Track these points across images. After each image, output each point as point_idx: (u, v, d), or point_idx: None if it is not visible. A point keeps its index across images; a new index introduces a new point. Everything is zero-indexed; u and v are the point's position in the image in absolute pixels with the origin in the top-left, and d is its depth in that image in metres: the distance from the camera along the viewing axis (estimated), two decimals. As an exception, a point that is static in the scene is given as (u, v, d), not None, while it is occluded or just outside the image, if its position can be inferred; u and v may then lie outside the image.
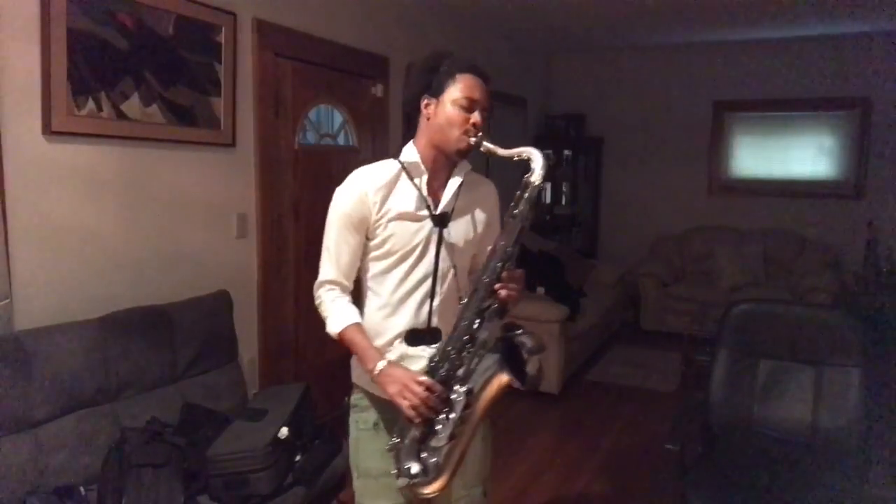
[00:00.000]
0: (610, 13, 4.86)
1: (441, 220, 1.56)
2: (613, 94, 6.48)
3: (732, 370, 2.41)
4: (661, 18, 4.98)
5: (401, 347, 1.58)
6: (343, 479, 2.47)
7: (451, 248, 1.58)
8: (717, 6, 4.58)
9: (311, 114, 3.57)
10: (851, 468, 2.17)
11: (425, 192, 1.57)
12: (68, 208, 2.29)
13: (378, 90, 3.94)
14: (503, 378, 1.39)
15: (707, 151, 6.15)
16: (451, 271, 1.59)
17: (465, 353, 1.45)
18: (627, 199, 6.56)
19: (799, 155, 5.88)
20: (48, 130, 2.18)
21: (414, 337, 1.58)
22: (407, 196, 1.57)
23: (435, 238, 1.56)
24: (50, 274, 2.24)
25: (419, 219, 1.56)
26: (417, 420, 1.44)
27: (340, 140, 3.82)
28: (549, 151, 1.49)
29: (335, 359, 3.70)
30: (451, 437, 1.42)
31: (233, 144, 2.94)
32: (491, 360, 1.41)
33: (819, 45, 5.57)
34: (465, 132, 1.53)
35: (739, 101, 5.97)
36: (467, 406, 1.42)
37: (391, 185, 1.57)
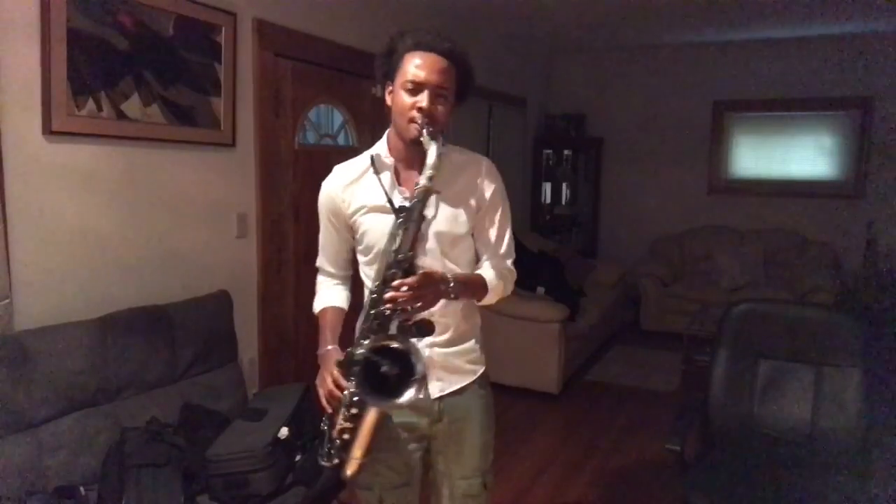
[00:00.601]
0: (610, 13, 4.86)
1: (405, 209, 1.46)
2: (613, 94, 6.49)
3: (732, 370, 2.41)
4: (661, 18, 4.98)
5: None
6: (343, 480, 2.47)
7: (431, 239, 1.50)
8: (717, 6, 4.58)
9: (311, 114, 3.57)
10: (851, 468, 2.18)
11: (390, 185, 1.52)
12: (68, 208, 2.29)
13: (378, 90, 3.92)
14: (373, 410, 1.40)
15: (707, 151, 6.15)
16: (435, 262, 1.51)
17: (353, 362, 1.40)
18: (627, 199, 6.56)
19: (799, 155, 5.88)
20: (48, 130, 2.18)
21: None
22: (372, 190, 1.53)
23: None
24: (50, 274, 2.24)
25: (385, 213, 1.49)
26: (327, 407, 1.48)
27: (340, 140, 3.82)
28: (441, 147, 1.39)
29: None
30: (342, 432, 1.44)
31: (233, 144, 2.94)
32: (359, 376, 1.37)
33: (819, 45, 5.57)
34: (411, 119, 1.43)
35: (739, 101, 5.97)
36: (351, 407, 1.42)
37: (358, 181, 1.56)
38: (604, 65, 6.50)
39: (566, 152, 6.65)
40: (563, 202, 6.70)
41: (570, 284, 4.98)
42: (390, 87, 1.50)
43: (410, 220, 1.39)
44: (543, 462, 3.35)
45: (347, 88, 3.75)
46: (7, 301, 2.08)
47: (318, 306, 1.68)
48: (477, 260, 1.63)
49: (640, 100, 6.36)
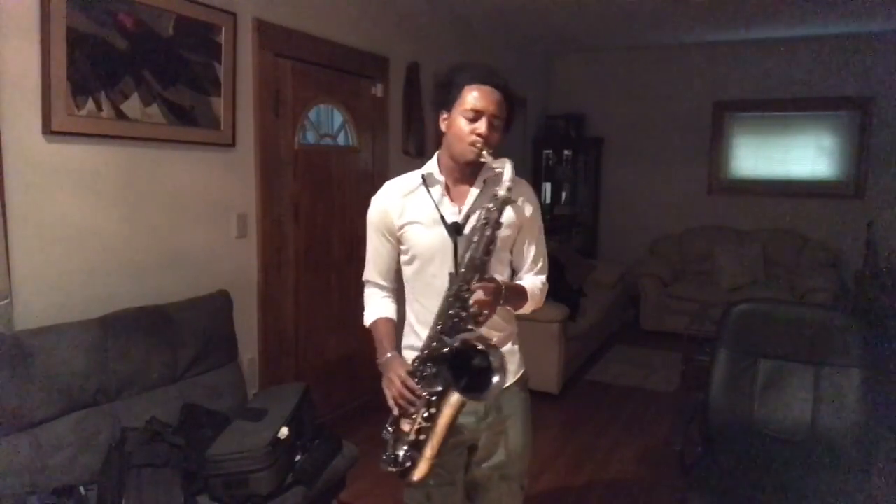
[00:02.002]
0: (610, 13, 4.86)
1: (455, 229, 1.61)
2: (613, 94, 6.49)
3: (732, 370, 2.41)
4: (661, 18, 4.98)
5: None
6: (343, 479, 2.47)
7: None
8: (717, 6, 4.58)
9: (311, 114, 3.57)
10: (851, 468, 2.18)
11: (442, 201, 1.64)
12: (68, 208, 2.29)
13: (378, 90, 3.94)
14: (454, 396, 1.45)
15: (707, 151, 6.15)
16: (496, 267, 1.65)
17: (437, 359, 1.51)
18: (627, 200, 6.56)
19: (799, 155, 5.88)
20: (48, 130, 2.18)
21: None
22: (422, 204, 1.65)
23: (452, 246, 1.61)
24: (50, 274, 2.24)
25: (434, 225, 1.63)
26: (395, 410, 1.56)
27: (340, 140, 3.82)
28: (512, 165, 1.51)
29: (335, 359, 3.71)
30: (419, 434, 1.51)
31: (233, 144, 2.94)
32: (446, 372, 1.45)
33: (819, 45, 5.57)
34: (472, 143, 1.57)
35: (739, 101, 5.97)
36: (430, 407, 1.49)
37: (410, 194, 1.67)
38: (604, 65, 6.50)
39: (566, 152, 6.65)
40: (563, 202, 6.70)
41: (570, 284, 4.98)
42: (445, 115, 1.64)
43: (488, 226, 1.52)
44: (544, 462, 3.35)
45: (347, 88, 3.75)
46: (7, 301, 2.08)
47: (370, 318, 1.77)
48: (513, 273, 1.76)
49: (640, 100, 6.36)
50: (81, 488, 1.94)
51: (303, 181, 3.41)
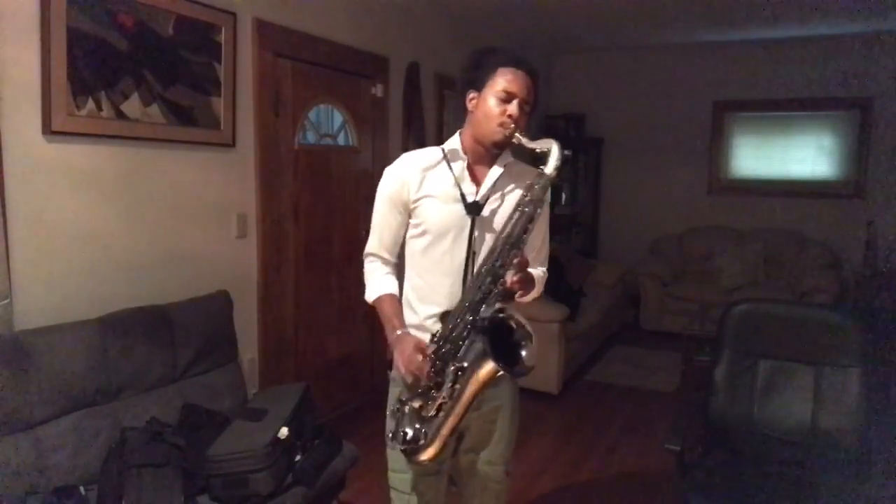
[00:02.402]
0: (610, 13, 4.86)
1: (474, 208, 1.60)
2: (613, 94, 6.49)
3: (732, 370, 2.41)
4: (661, 18, 4.98)
5: (434, 328, 1.62)
6: (343, 479, 2.47)
7: (487, 234, 1.62)
8: (717, 6, 4.58)
9: (311, 114, 3.57)
10: (851, 468, 2.17)
11: (463, 179, 1.63)
12: (68, 208, 2.29)
13: (378, 90, 3.94)
14: (489, 365, 1.42)
15: (707, 151, 6.15)
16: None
17: (465, 334, 1.50)
18: (627, 199, 6.56)
19: (799, 155, 5.88)
20: (48, 130, 2.18)
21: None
22: (443, 179, 1.64)
23: (468, 224, 1.61)
24: (50, 274, 2.24)
25: (452, 202, 1.62)
26: (410, 380, 1.55)
27: (340, 140, 3.82)
28: (568, 152, 1.54)
29: (335, 359, 3.71)
30: (439, 410, 1.50)
31: (233, 144, 2.94)
32: (480, 343, 1.44)
33: (819, 45, 5.57)
34: (501, 124, 1.57)
35: (739, 101, 5.97)
36: (455, 383, 1.47)
37: (431, 168, 1.65)
38: (604, 65, 6.50)
39: (566, 152, 6.63)
40: (563, 202, 6.70)
41: (570, 284, 4.98)
42: (473, 95, 1.63)
43: (531, 203, 1.50)
44: (543, 462, 3.35)
45: (347, 88, 3.75)
46: (7, 301, 2.08)
47: (373, 293, 1.72)
48: None
49: (640, 100, 6.36)
50: (81, 488, 1.94)
51: (303, 181, 3.41)
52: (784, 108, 5.83)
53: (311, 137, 3.59)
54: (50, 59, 2.15)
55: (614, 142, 6.54)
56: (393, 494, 1.77)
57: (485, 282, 1.50)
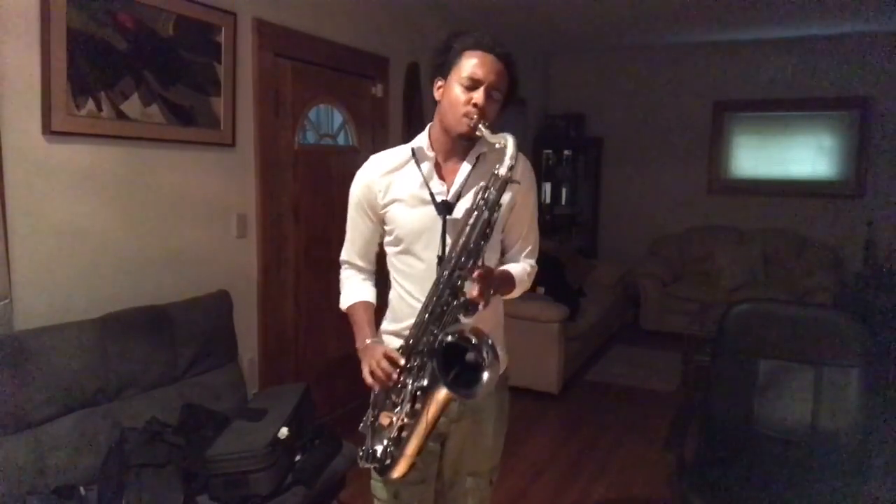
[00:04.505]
0: (610, 13, 4.86)
1: (445, 208, 1.50)
2: (613, 94, 6.49)
3: (732, 370, 2.41)
4: (661, 18, 4.98)
5: None
6: (343, 479, 2.47)
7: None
8: (717, 6, 4.58)
9: (311, 114, 3.57)
10: (851, 468, 2.17)
11: (432, 178, 1.53)
12: (68, 208, 2.29)
13: (378, 90, 3.94)
14: (442, 392, 1.34)
15: (707, 151, 6.15)
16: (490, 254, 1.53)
17: (426, 349, 1.40)
18: (627, 199, 6.56)
19: (798, 155, 5.88)
20: (48, 130, 2.18)
21: None
22: (410, 181, 1.54)
23: (440, 226, 1.50)
24: (50, 274, 2.24)
25: (421, 204, 1.52)
26: (374, 385, 1.47)
27: (340, 140, 3.82)
28: (514, 151, 1.38)
29: (335, 359, 3.71)
30: (401, 431, 1.42)
31: (233, 144, 2.93)
32: (435, 366, 1.34)
33: (819, 45, 5.58)
34: (466, 114, 1.45)
35: (739, 101, 5.97)
36: (415, 403, 1.39)
37: (397, 170, 1.56)
38: (604, 65, 6.50)
39: (566, 152, 6.65)
40: (563, 202, 6.70)
41: (570, 284, 4.98)
42: (440, 83, 1.52)
43: (485, 208, 1.38)
44: (543, 462, 3.35)
45: (347, 88, 3.75)
46: (7, 301, 2.08)
47: (347, 301, 1.66)
48: (501, 254, 1.64)
49: (640, 100, 6.36)
50: (81, 488, 1.94)
51: (303, 181, 3.41)
52: (784, 108, 5.83)
53: (311, 137, 3.59)
54: (50, 59, 2.15)
55: (614, 142, 6.54)
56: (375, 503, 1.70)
57: (444, 294, 1.39)
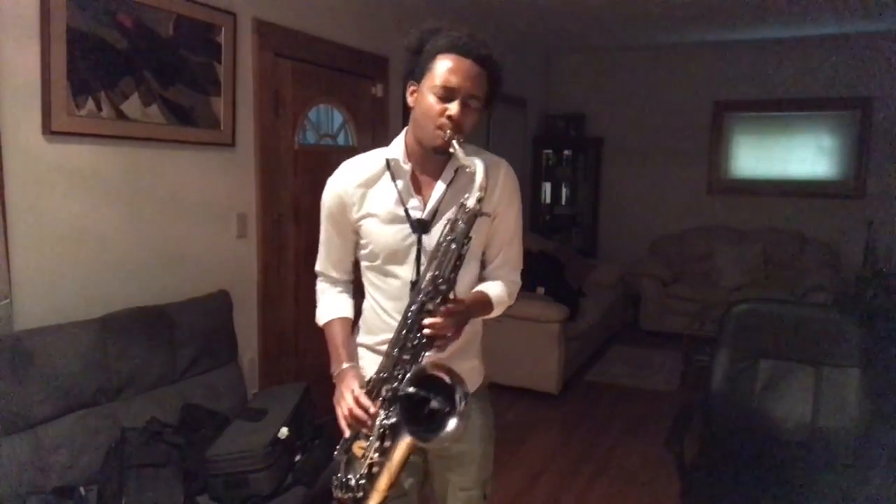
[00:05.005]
0: (610, 13, 4.86)
1: (420, 227, 1.39)
2: (613, 94, 6.48)
3: (732, 370, 2.41)
4: (661, 18, 4.98)
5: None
6: None
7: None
8: (717, 6, 4.58)
9: (311, 114, 3.57)
10: (851, 468, 2.17)
11: (407, 193, 1.42)
12: (68, 208, 2.29)
13: (378, 90, 3.94)
14: (407, 440, 1.29)
15: (707, 151, 6.15)
16: (464, 287, 1.44)
17: (395, 385, 1.32)
18: (627, 199, 6.56)
19: (799, 155, 5.88)
20: (48, 130, 2.18)
21: None
22: (385, 196, 1.43)
23: (416, 244, 1.40)
24: (50, 274, 2.24)
25: (397, 221, 1.42)
26: (346, 431, 1.39)
27: (340, 140, 3.82)
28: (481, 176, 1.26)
29: (335, 359, 3.71)
30: (371, 468, 1.34)
31: (233, 144, 2.93)
32: (400, 411, 1.29)
33: (819, 45, 5.57)
34: (440, 126, 1.32)
35: (739, 101, 5.97)
36: (384, 440, 1.32)
37: (372, 183, 1.45)
38: (604, 65, 6.50)
39: (566, 152, 6.65)
40: (563, 202, 6.70)
41: (570, 284, 4.98)
42: (414, 87, 1.40)
43: (454, 242, 1.28)
44: (543, 462, 3.35)
45: (347, 88, 3.75)
46: (7, 301, 2.08)
47: (322, 317, 1.57)
48: (482, 266, 1.55)
49: (640, 100, 6.36)
50: (81, 488, 1.94)
51: (303, 181, 3.40)
52: (784, 108, 5.83)
53: (311, 137, 3.59)
54: (50, 59, 2.15)
55: (614, 142, 6.53)
56: None
57: (413, 329, 1.30)
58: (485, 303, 1.47)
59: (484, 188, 1.28)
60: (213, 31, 2.77)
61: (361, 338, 1.56)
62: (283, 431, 2.16)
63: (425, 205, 1.42)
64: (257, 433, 2.15)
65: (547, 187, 6.62)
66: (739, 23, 5.07)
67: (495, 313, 1.52)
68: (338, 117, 3.79)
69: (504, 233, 1.51)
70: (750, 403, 2.37)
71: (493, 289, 1.50)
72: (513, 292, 1.55)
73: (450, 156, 1.38)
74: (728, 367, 2.42)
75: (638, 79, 6.36)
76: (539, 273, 4.76)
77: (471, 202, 1.28)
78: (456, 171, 1.43)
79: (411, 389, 1.26)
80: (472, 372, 1.55)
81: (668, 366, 4.89)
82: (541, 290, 4.56)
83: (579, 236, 6.65)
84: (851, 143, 5.65)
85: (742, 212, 6.03)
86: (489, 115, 5.43)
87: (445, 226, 1.33)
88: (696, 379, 4.06)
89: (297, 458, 2.23)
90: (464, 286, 1.46)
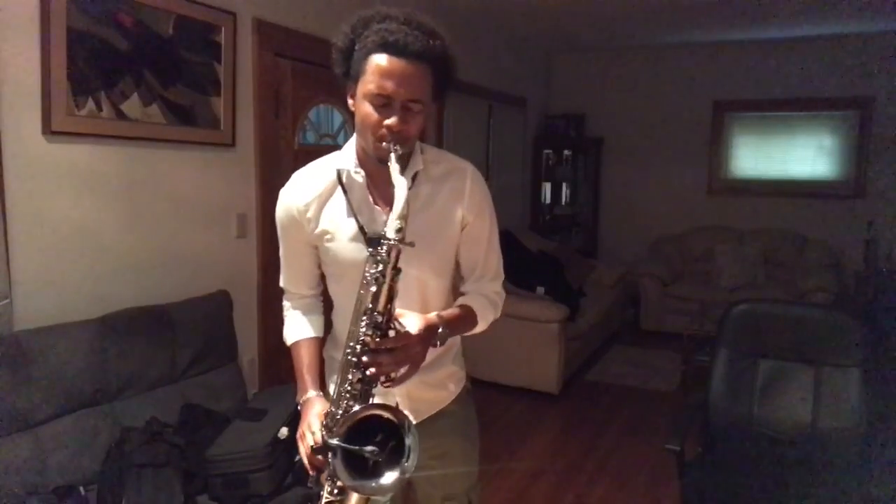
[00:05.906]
0: (610, 13, 4.86)
1: (375, 243, 1.21)
2: (613, 94, 6.49)
3: (732, 370, 2.41)
4: (661, 18, 4.98)
5: None
6: (343, 479, 2.47)
7: (408, 270, 1.22)
8: (717, 6, 4.58)
9: (311, 114, 3.57)
10: (851, 468, 2.17)
11: (361, 207, 1.32)
12: (68, 208, 2.29)
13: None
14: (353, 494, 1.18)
15: (707, 151, 6.15)
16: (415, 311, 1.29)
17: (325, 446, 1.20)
18: (627, 199, 6.56)
19: (799, 155, 5.88)
20: (48, 130, 2.18)
21: None
22: (338, 211, 1.33)
23: None
24: (50, 274, 2.24)
25: (353, 239, 1.31)
26: (310, 470, 1.30)
27: (340, 140, 3.82)
28: (407, 186, 1.26)
29: (335, 359, 3.71)
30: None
31: (233, 144, 2.93)
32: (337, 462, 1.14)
33: (819, 45, 5.58)
34: (379, 138, 1.19)
35: (739, 101, 5.97)
36: (335, 480, 1.21)
37: (326, 196, 1.35)
38: (604, 65, 6.50)
39: (566, 152, 6.65)
40: (563, 202, 6.70)
41: (570, 284, 4.98)
42: (352, 90, 1.25)
43: (383, 278, 1.15)
44: (543, 462, 3.35)
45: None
46: (7, 301, 2.08)
47: (291, 336, 1.50)
48: (462, 281, 1.46)
49: (640, 100, 6.36)
50: (81, 488, 1.94)
51: (303, 181, 3.40)
52: (784, 108, 5.83)
53: (311, 137, 3.59)
54: (50, 59, 2.15)
55: (614, 142, 6.54)
56: None
57: (356, 366, 1.18)
58: (468, 319, 1.37)
59: (404, 217, 1.14)
60: (213, 31, 2.77)
61: (331, 351, 1.49)
62: (283, 431, 2.16)
63: (386, 218, 1.22)
64: (257, 433, 2.15)
65: (547, 187, 6.62)
66: (739, 23, 5.07)
67: (479, 328, 1.42)
68: (338, 117, 3.79)
69: (477, 243, 1.41)
70: (750, 403, 2.37)
71: (475, 301, 1.40)
72: (497, 303, 1.45)
73: (409, 156, 1.30)
74: (728, 367, 2.42)
75: (638, 79, 6.36)
76: (539, 273, 4.76)
77: (390, 232, 1.13)
78: (414, 177, 1.31)
79: (335, 441, 1.11)
80: (450, 378, 1.48)
81: (668, 366, 4.89)
82: (541, 290, 4.56)
83: (579, 236, 6.65)
84: (851, 143, 5.65)
85: (742, 212, 6.03)
86: (489, 115, 5.42)
87: (367, 259, 1.20)
88: (696, 379, 4.05)
89: (297, 458, 2.22)
90: (436, 304, 1.38)
